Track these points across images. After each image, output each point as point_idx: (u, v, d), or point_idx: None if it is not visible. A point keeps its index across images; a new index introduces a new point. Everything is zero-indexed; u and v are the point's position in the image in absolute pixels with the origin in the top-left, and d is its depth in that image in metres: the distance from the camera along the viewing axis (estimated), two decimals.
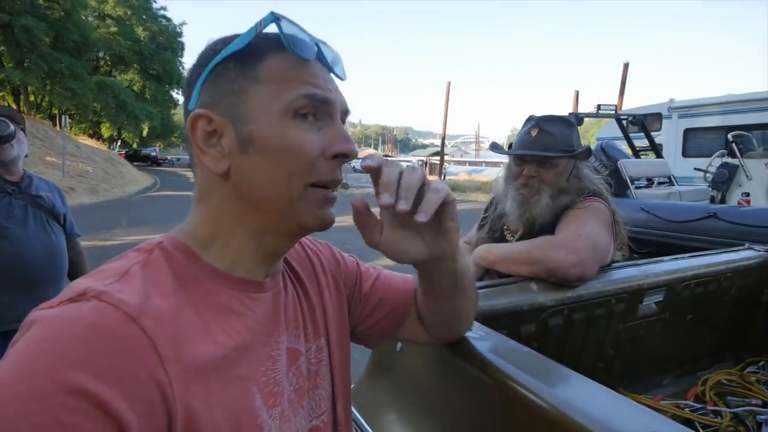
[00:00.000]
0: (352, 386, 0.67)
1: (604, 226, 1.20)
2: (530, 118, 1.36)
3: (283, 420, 0.48)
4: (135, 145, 32.48)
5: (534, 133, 1.29)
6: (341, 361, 0.61)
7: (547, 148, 1.26)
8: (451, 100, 19.14)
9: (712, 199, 4.08)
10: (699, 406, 1.18)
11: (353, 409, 0.83)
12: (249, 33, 0.46)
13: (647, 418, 0.57)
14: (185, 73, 0.50)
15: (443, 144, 21.65)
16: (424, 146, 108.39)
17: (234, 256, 0.48)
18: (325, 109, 0.47)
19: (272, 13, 0.45)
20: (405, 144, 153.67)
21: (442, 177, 22.36)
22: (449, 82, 19.18)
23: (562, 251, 1.08)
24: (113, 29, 25.58)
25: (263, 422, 0.45)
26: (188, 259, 0.45)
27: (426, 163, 36.73)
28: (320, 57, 0.48)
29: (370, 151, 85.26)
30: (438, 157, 24.72)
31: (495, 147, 1.46)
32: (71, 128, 23.28)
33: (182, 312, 0.41)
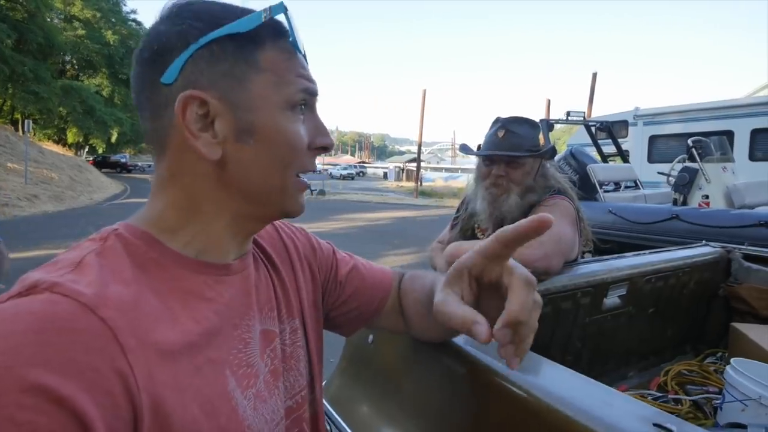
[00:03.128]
0: (324, 381, 0.66)
1: (569, 222, 1.25)
2: (497, 120, 1.40)
3: (259, 401, 0.48)
4: (102, 151, 31.49)
5: (501, 134, 1.34)
6: (317, 342, 0.61)
7: (514, 148, 1.31)
8: (427, 108, 19.35)
9: (675, 202, 4.25)
10: (661, 395, 1.23)
11: (325, 402, 0.82)
12: (256, 18, 0.44)
13: (618, 400, 0.59)
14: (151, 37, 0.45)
15: (419, 151, 21.80)
16: (401, 153, 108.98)
17: (205, 242, 0.47)
18: (311, 101, 0.49)
19: (282, 3, 0.45)
20: (382, 150, 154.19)
21: (419, 183, 22.52)
22: (425, 90, 19.38)
23: (528, 246, 1.11)
24: (81, 32, 24.82)
25: (238, 403, 0.44)
26: (149, 245, 0.44)
27: (403, 170, 37.06)
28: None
29: (348, 157, 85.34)
30: (415, 164, 24.89)
31: (465, 149, 1.49)
32: (35, 133, 22.37)
33: (144, 299, 0.40)
